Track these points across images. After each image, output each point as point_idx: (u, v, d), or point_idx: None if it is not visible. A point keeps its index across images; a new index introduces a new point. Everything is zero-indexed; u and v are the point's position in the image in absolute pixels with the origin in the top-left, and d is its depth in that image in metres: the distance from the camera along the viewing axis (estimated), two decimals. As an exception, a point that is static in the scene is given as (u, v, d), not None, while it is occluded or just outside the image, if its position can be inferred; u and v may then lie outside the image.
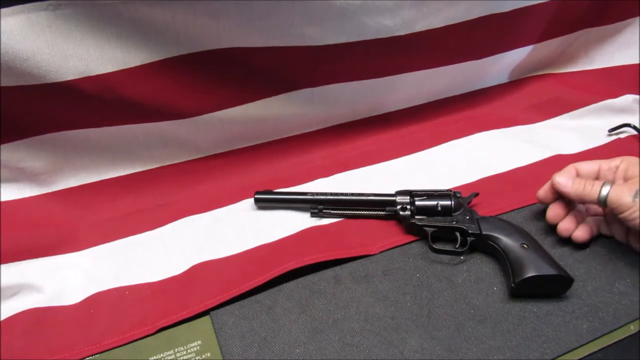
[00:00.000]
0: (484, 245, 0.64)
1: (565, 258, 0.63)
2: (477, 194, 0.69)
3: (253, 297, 0.61)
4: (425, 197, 0.67)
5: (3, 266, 0.63)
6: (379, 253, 0.65)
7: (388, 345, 0.56)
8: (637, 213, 0.55)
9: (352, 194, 0.69)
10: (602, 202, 0.58)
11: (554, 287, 0.59)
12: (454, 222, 0.65)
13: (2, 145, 0.63)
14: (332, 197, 0.69)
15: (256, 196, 0.71)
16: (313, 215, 0.70)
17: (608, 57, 0.90)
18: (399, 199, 0.67)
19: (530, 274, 0.57)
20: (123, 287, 0.64)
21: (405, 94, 0.84)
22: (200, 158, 0.77)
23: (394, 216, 0.69)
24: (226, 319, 0.59)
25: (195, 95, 0.68)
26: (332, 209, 0.70)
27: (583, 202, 0.62)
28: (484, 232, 0.63)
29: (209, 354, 0.56)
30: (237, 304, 0.60)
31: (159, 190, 0.75)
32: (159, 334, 0.58)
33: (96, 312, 0.61)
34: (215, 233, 0.69)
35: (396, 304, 0.60)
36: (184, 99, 0.67)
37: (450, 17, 0.72)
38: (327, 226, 0.70)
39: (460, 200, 0.67)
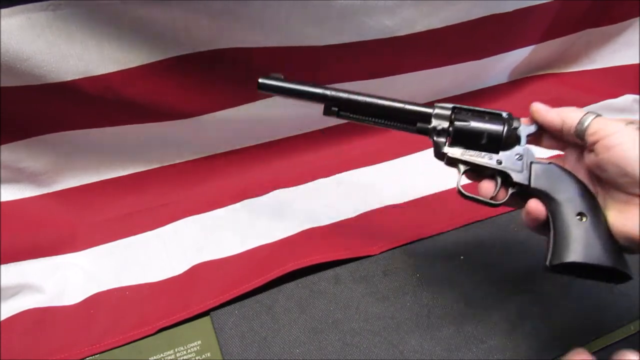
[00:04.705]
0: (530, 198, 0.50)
1: (566, 258, 0.63)
2: (539, 129, 0.51)
3: (253, 297, 0.61)
4: (469, 117, 0.51)
5: (3, 266, 0.63)
6: (379, 253, 0.65)
7: (388, 345, 0.56)
8: (625, 137, 0.44)
9: (379, 98, 0.54)
10: (582, 129, 0.47)
11: (604, 277, 0.47)
12: (498, 162, 0.50)
13: (2, 146, 0.63)
14: (353, 96, 0.54)
15: (260, 81, 0.55)
16: (327, 114, 0.56)
17: (608, 57, 0.90)
18: (437, 112, 0.52)
19: (573, 258, 0.45)
20: (123, 287, 0.64)
21: (405, 94, 0.84)
22: (200, 158, 0.77)
23: (423, 132, 0.54)
24: (226, 319, 0.59)
25: (195, 95, 0.68)
26: (352, 113, 0.55)
27: (557, 129, 0.49)
28: (533, 185, 0.49)
29: (209, 354, 0.56)
30: (237, 304, 0.60)
31: (159, 190, 0.75)
32: (159, 334, 0.58)
33: (96, 312, 0.61)
34: (215, 233, 0.69)
35: (396, 304, 0.60)
36: (184, 99, 0.67)
37: (450, 17, 0.72)
38: (328, 226, 0.70)
39: (518, 129, 0.51)
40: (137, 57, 0.61)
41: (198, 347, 0.57)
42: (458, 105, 0.52)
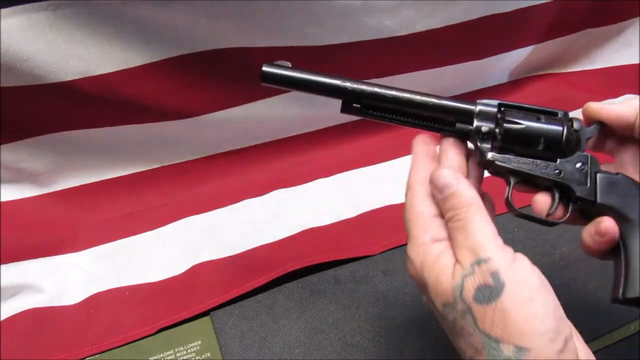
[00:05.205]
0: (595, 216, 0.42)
1: (566, 258, 0.63)
2: (601, 125, 0.44)
3: (253, 297, 0.61)
4: (521, 117, 0.42)
5: (3, 266, 0.63)
6: (379, 253, 0.65)
7: (388, 345, 0.56)
8: None
9: (410, 92, 0.44)
10: None
11: None
12: (557, 173, 0.42)
13: (2, 146, 0.63)
14: (379, 90, 0.44)
15: (265, 70, 0.44)
16: (346, 110, 0.46)
17: (608, 57, 0.90)
18: (480, 109, 0.43)
19: None
20: (123, 287, 0.64)
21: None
22: (200, 158, 0.77)
23: (463, 134, 0.44)
24: (226, 319, 0.59)
25: (195, 95, 0.68)
26: (375, 110, 0.45)
27: (628, 123, 0.42)
28: (600, 201, 0.41)
29: (209, 354, 0.56)
30: (237, 304, 0.60)
31: (159, 190, 0.75)
32: (159, 334, 0.58)
33: (96, 312, 0.61)
34: (215, 233, 0.69)
35: (396, 304, 0.60)
36: (184, 99, 0.67)
37: (450, 18, 0.72)
38: (327, 226, 0.69)
39: (579, 132, 0.43)
40: (137, 57, 0.61)
41: (198, 347, 0.57)
42: (505, 102, 0.43)
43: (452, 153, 0.42)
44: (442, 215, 0.39)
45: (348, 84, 0.45)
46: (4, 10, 0.52)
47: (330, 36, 0.67)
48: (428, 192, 0.40)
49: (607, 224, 0.40)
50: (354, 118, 0.83)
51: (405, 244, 0.65)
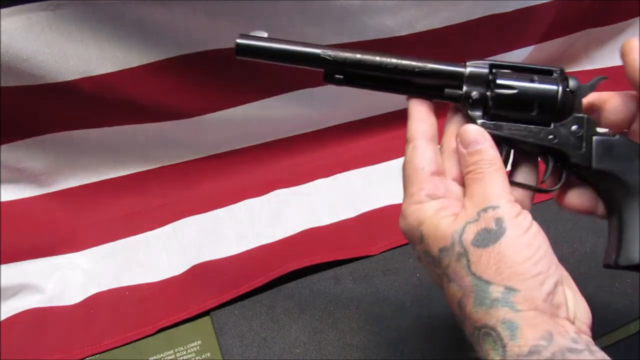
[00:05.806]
0: (592, 182, 0.41)
1: (566, 258, 0.63)
2: (604, 78, 0.43)
3: (253, 297, 0.61)
4: (514, 79, 0.39)
5: (3, 266, 0.63)
6: (379, 253, 0.65)
7: (388, 345, 0.56)
8: None
9: (395, 57, 0.42)
10: None
11: None
12: (551, 139, 0.39)
13: (2, 146, 0.63)
14: (363, 56, 0.42)
15: (239, 42, 0.41)
16: (329, 80, 0.42)
17: (608, 57, 0.90)
18: (471, 71, 0.40)
19: None
20: (123, 287, 0.64)
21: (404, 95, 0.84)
22: (200, 158, 0.77)
23: (453, 100, 0.41)
24: (226, 319, 0.59)
25: (195, 95, 0.68)
26: (360, 79, 0.43)
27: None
28: (595, 167, 0.39)
29: (209, 354, 0.57)
30: (237, 304, 0.60)
31: (159, 190, 0.75)
32: (159, 334, 0.58)
33: (96, 312, 0.61)
34: (215, 233, 0.69)
35: (396, 304, 0.60)
36: (184, 99, 0.67)
37: (451, 17, 0.72)
38: (327, 226, 0.70)
39: (575, 92, 0.40)
40: (137, 57, 0.61)
41: (198, 347, 0.57)
42: (496, 62, 0.40)
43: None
44: (442, 172, 0.40)
45: (329, 52, 0.41)
46: (4, 10, 0.52)
47: (330, 36, 0.67)
48: (430, 147, 0.41)
49: (575, 200, 0.42)
50: (353, 118, 0.83)
51: (405, 244, 0.66)
